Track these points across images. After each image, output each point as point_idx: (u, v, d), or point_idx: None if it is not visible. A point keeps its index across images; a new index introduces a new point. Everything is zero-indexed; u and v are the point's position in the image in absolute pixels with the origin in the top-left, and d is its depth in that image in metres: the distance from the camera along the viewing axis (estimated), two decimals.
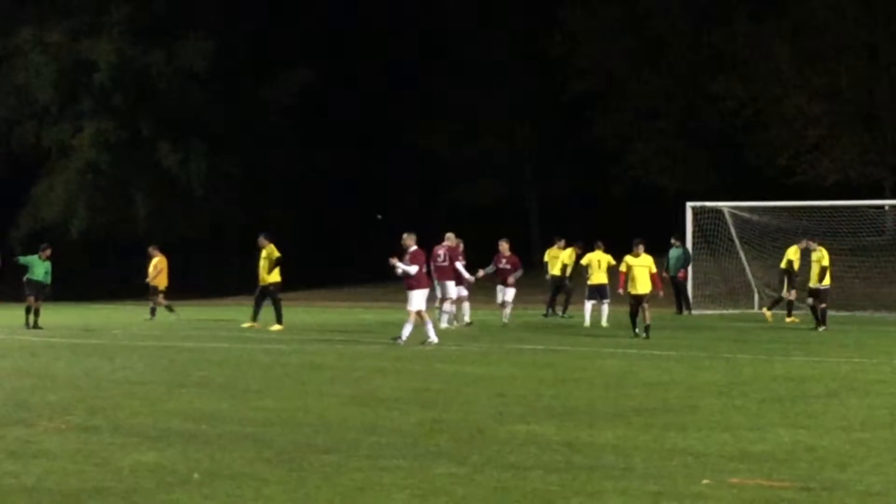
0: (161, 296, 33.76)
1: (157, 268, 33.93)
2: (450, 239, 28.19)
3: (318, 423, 11.41)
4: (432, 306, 27.27)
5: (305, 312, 38.23)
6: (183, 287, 53.81)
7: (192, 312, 38.05)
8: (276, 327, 27.62)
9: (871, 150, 51.60)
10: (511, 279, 29.81)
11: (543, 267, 34.16)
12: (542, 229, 58.22)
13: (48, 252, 30.25)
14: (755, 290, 38.54)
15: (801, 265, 30.01)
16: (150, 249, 34.64)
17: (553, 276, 33.57)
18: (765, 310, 31.87)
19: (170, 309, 33.34)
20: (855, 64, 52.05)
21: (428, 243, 28.03)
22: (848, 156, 50.94)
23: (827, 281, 27.61)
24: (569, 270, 33.19)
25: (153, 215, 58.25)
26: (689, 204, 38.81)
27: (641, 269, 24.62)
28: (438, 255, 27.77)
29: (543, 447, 9.90)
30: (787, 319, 30.15)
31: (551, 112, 59.71)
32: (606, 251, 29.57)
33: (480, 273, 29.33)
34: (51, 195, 59.01)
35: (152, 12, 59.17)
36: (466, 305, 28.79)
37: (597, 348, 21.74)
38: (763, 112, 52.74)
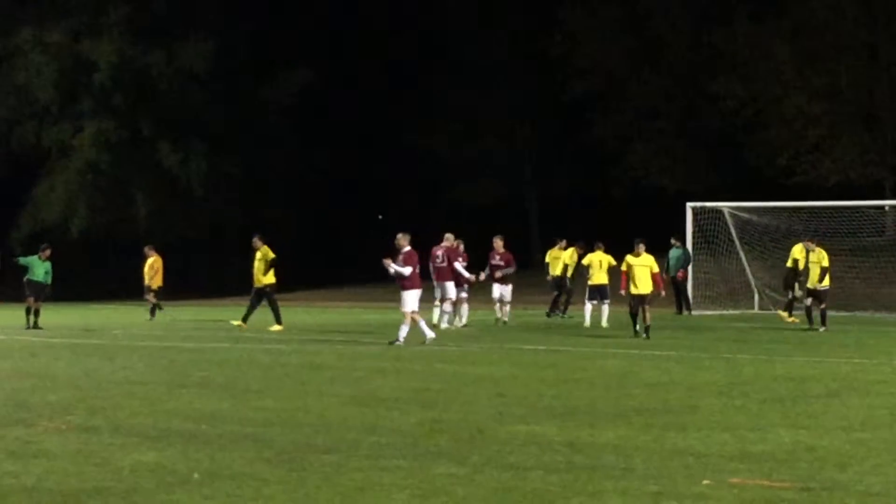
0: (153, 294, 33.78)
1: (154, 268, 33.94)
2: (448, 239, 28.16)
3: (319, 423, 11.40)
4: (429, 306, 27.33)
5: (305, 313, 38.22)
6: (183, 287, 53.90)
7: (192, 313, 38.07)
8: (277, 328, 27.59)
9: (872, 151, 51.62)
10: (499, 273, 29.74)
11: (545, 268, 34.15)
12: (541, 229, 58.28)
13: (48, 252, 30.24)
14: (755, 290, 38.53)
15: (804, 265, 29.97)
16: (146, 249, 34.67)
17: (554, 277, 33.57)
18: (780, 312, 31.62)
19: (158, 307, 33.41)
20: (855, 64, 52.08)
21: (428, 244, 28.06)
22: (848, 156, 50.96)
23: (826, 282, 27.60)
24: (570, 271, 33.16)
25: (153, 215, 58.30)
26: (689, 204, 38.78)
27: (642, 268, 24.58)
28: (437, 256, 27.74)
29: (544, 447, 9.89)
30: (788, 319, 30.13)
31: (551, 112, 59.76)
32: (606, 252, 29.56)
33: (482, 276, 29.28)
34: (51, 195, 59.05)
35: (152, 12, 59.23)
36: (465, 308, 28.77)
37: (597, 348, 21.73)
38: (763, 112, 52.77)
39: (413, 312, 22.58)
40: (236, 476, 8.72)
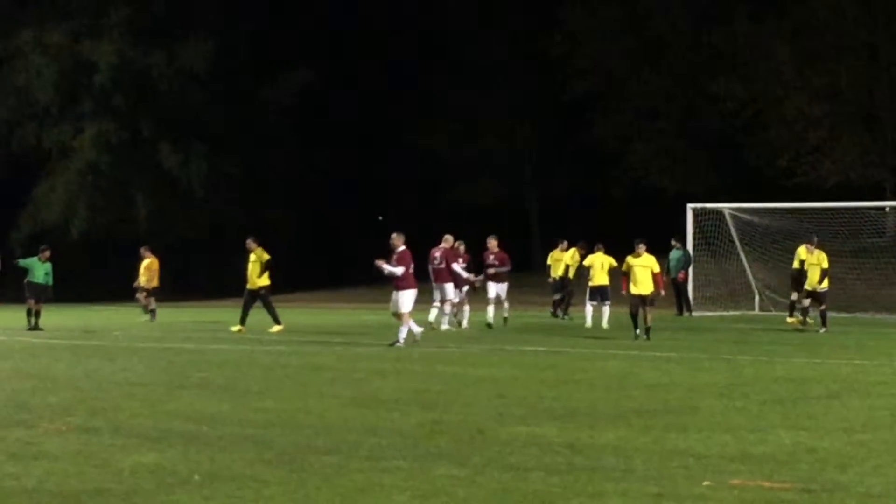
0: (145, 294, 33.77)
1: (150, 269, 33.93)
2: (447, 241, 28.14)
3: (319, 425, 11.41)
4: (426, 307, 27.37)
5: (306, 313, 38.21)
6: (183, 288, 53.94)
7: (192, 314, 38.07)
8: (276, 328, 27.57)
9: (872, 151, 51.59)
10: (491, 271, 29.71)
11: (546, 270, 34.14)
12: (542, 230, 58.26)
13: (47, 253, 30.23)
14: (756, 291, 38.53)
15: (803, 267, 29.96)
16: (142, 251, 34.60)
17: (555, 279, 33.57)
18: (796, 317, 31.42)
19: (145, 310, 33.36)
20: (855, 64, 52.03)
21: (428, 244, 28.05)
22: (848, 157, 50.92)
23: (826, 283, 27.59)
24: (571, 272, 33.15)
25: (153, 216, 58.30)
26: (689, 205, 38.78)
27: (643, 269, 24.55)
28: (435, 258, 27.72)
29: (544, 448, 9.90)
30: (789, 320, 30.11)
31: (551, 112, 59.73)
32: (607, 252, 29.56)
33: (477, 283, 29.19)
34: (51, 196, 59.05)
35: (152, 13, 59.24)
36: (466, 309, 28.77)
37: (598, 350, 21.73)
38: (763, 113, 52.75)
39: (397, 310, 22.62)
40: (237, 477, 8.72)
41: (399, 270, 22.56)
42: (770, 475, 8.75)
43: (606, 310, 28.81)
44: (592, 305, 29.19)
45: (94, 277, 56.23)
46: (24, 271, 30.10)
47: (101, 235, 59.04)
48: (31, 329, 28.64)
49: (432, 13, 60.84)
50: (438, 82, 60.38)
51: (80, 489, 8.34)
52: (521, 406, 12.88)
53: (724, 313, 36.73)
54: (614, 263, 28.72)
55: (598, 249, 29.71)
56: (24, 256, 32.26)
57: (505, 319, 29.76)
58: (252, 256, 28.32)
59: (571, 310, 33.22)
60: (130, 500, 8.04)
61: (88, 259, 58.19)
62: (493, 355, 20.62)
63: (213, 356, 20.43)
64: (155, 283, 33.90)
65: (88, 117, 59.21)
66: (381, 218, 65.17)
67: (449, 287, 27.56)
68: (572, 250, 33.21)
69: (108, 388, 14.90)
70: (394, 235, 23.05)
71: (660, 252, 29.21)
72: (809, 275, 27.57)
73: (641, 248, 24.69)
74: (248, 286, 28.22)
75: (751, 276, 38.74)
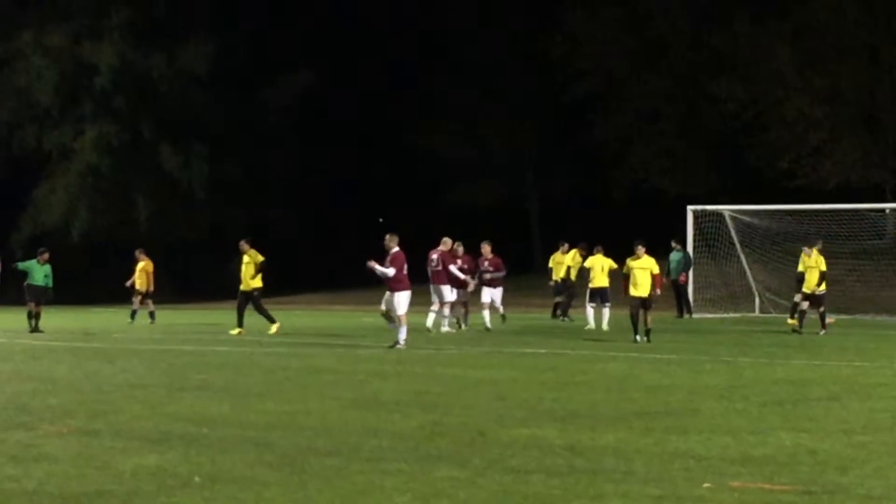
0: (139, 297, 33.74)
1: (146, 272, 33.88)
2: (445, 243, 28.13)
3: (320, 427, 11.41)
4: (424, 310, 27.34)
5: (306, 315, 38.21)
6: (184, 289, 53.96)
7: (193, 315, 38.06)
8: (274, 327, 27.56)
9: (873, 153, 51.58)
10: (487, 276, 29.72)
11: (548, 273, 34.13)
12: (542, 231, 58.27)
13: (46, 256, 30.19)
14: (756, 293, 38.53)
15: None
16: (137, 253, 34.50)
17: (556, 282, 33.57)
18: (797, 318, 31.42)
19: (132, 316, 33.30)
20: (856, 66, 52.01)
21: (428, 245, 28.05)
22: (849, 159, 50.90)
23: (824, 286, 27.60)
24: (573, 273, 33.13)
25: (154, 217, 58.32)
26: (689, 207, 38.77)
27: (643, 271, 24.49)
28: (432, 260, 27.72)
29: (545, 451, 9.90)
30: (789, 321, 30.10)
31: (551, 113, 59.75)
32: (606, 254, 29.57)
33: (472, 287, 29.13)
34: (52, 198, 59.07)
35: (152, 15, 59.25)
36: (468, 311, 28.75)
37: (598, 352, 21.73)
38: (764, 114, 52.73)
39: (394, 312, 22.59)
40: (237, 479, 8.72)
41: (391, 271, 22.56)
42: (770, 477, 8.75)
43: (606, 312, 28.82)
44: (592, 307, 29.21)
45: (95, 279, 56.21)
46: (25, 274, 30.10)
47: (101, 237, 59.06)
48: (31, 331, 28.63)
49: (432, 13, 60.85)
50: (438, 82, 60.40)
51: (81, 491, 8.34)
52: (522, 408, 12.88)
53: (725, 315, 36.74)
54: (614, 265, 28.72)
55: (598, 251, 29.72)
56: (25, 258, 32.26)
57: (503, 317, 29.80)
58: (245, 258, 28.26)
59: (571, 312, 33.21)
60: (131, 502, 8.04)
61: (89, 261, 58.21)
62: (493, 357, 20.62)
63: (213, 358, 20.43)
64: (150, 286, 33.77)
65: (89, 119, 59.23)
66: (381, 220, 65.15)
67: (446, 289, 27.57)
68: (573, 252, 33.19)
69: (109, 391, 14.90)
70: (388, 236, 23.05)
71: (660, 254, 29.22)
72: (808, 277, 27.56)
73: (641, 249, 24.63)
74: (242, 288, 28.20)
75: (751, 279, 38.74)
